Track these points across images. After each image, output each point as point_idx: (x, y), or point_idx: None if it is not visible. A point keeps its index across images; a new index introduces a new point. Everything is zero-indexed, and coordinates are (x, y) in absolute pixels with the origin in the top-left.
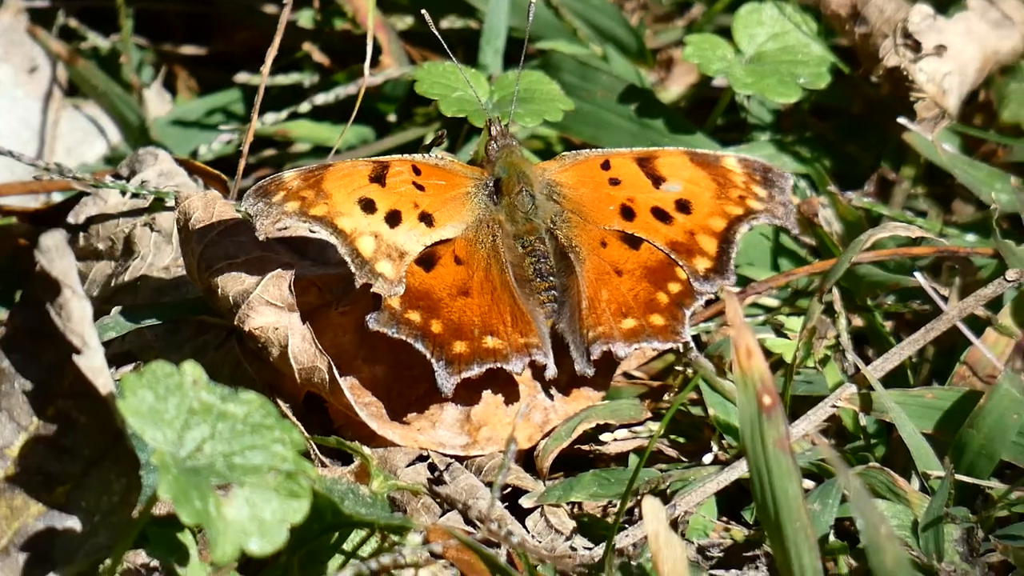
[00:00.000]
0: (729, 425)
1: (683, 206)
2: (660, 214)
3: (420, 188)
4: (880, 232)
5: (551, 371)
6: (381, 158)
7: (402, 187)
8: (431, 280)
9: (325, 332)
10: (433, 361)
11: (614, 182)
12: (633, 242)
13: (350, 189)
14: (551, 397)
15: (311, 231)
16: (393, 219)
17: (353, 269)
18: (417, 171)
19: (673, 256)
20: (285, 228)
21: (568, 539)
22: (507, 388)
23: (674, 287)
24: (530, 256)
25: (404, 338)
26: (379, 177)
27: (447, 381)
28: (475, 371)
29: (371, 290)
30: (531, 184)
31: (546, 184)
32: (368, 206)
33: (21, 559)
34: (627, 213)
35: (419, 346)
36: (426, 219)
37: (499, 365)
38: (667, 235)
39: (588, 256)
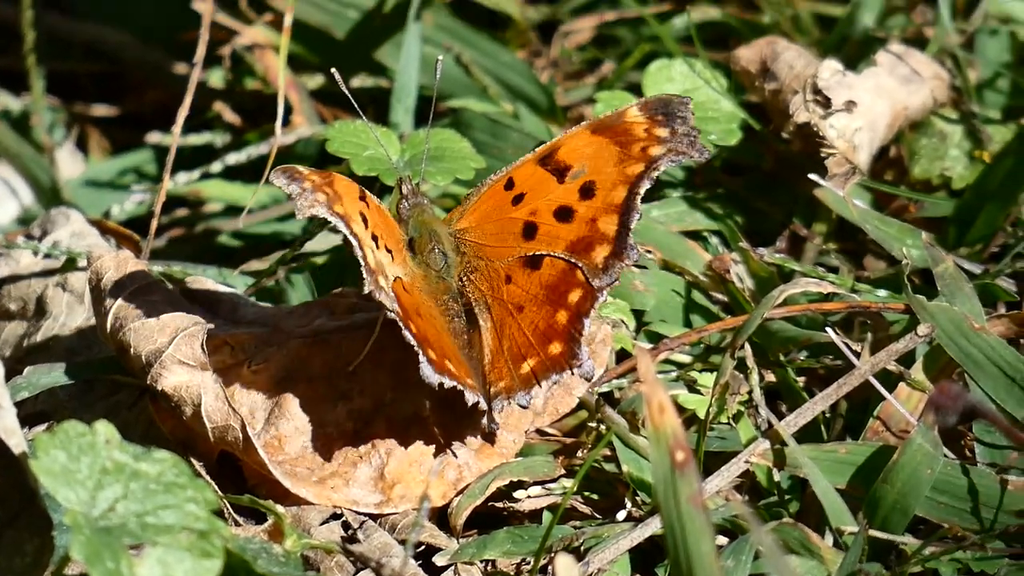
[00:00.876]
0: (643, 481)
1: (586, 191)
2: (563, 213)
3: (380, 220)
4: (792, 288)
5: (489, 419)
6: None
7: (375, 214)
8: (398, 290)
9: (238, 391)
10: (419, 353)
11: (517, 200)
12: (534, 263)
13: (351, 199)
14: (464, 454)
15: (333, 227)
16: (376, 240)
17: (365, 275)
18: (368, 206)
19: (573, 260)
20: (315, 215)
21: None
22: (421, 445)
23: (574, 296)
24: (445, 315)
25: (398, 320)
26: (363, 198)
27: (432, 376)
28: (447, 381)
29: (378, 299)
30: (442, 242)
31: (454, 235)
32: (364, 220)
33: None
34: (528, 231)
35: (407, 334)
36: (388, 251)
37: (459, 388)
38: (568, 237)
39: (492, 304)
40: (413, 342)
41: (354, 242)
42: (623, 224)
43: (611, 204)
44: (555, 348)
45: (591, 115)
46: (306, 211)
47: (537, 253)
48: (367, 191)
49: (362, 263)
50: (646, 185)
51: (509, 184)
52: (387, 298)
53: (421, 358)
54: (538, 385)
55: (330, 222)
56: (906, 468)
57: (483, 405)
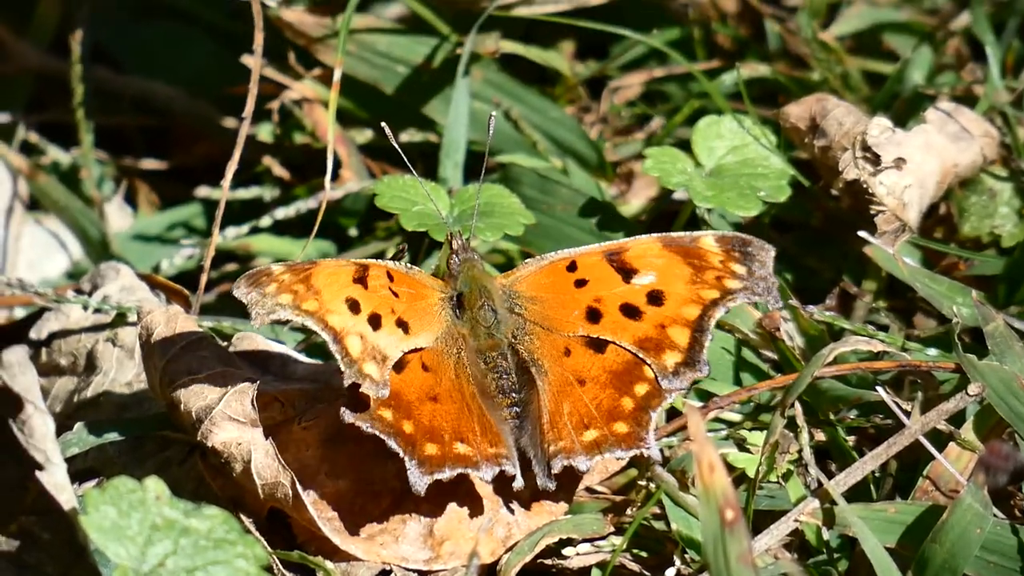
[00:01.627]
0: (692, 539)
1: (654, 298)
2: (629, 310)
3: (395, 295)
4: (842, 346)
5: (519, 483)
6: (361, 260)
7: (381, 291)
8: (400, 382)
9: (288, 447)
10: (406, 459)
11: (580, 283)
12: (598, 346)
13: (337, 287)
14: (513, 511)
15: (303, 326)
16: (375, 322)
17: (342, 367)
18: (391, 277)
19: (641, 355)
20: (278, 320)
21: None
22: (470, 502)
23: (640, 389)
24: (492, 372)
25: (378, 433)
26: (361, 279)
27: (420, 480)
28: (447, 474)
29: (360, 391)
30: (492, 298)
31: (508, 296)
32: (354, 306)
33: None
34: (593, 315)
35: (392, 444)
36: (402, 325)
37: (470, 471)
38: (635, 333)
39: (550, 368)
40: (396, 449)
41: (327, 337)
42: (696, 340)
43: (683, 318)
44: (620, 428)
45: (640, 170)
46: (264, 319)
47: (602, 338)
48: (378, 265)
49: (338, 357)
50: (720, 312)
51: (572, 267)
52: (372, 387)
53: (408, 464)
54: (600, 455)
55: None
56: (956, 528)
57: (518, 480)
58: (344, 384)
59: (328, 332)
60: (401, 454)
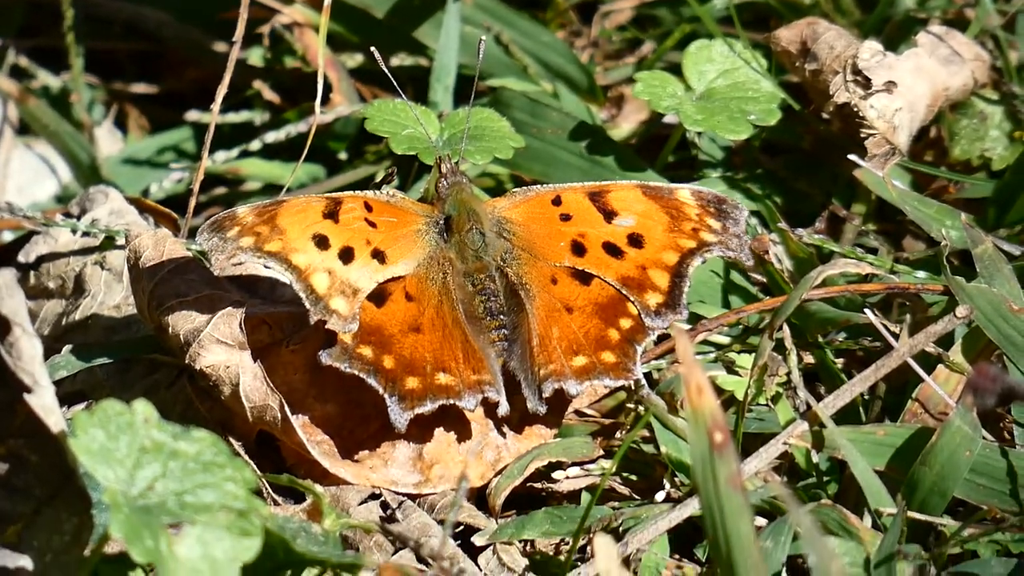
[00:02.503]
0: (681, 463)
1: (635, 240)
2: (612, 249)
3: (372, 225)
4: (831, 269)
5: (503, 408)
6: (334, 194)
7: (355, 224)
8: (382, 316)
9: (276, 370)
10: (386, 396)
11: (565, 217)
12: (584, 278)
13: (304, 225)
14: (503, 435)
15: (265, 267)
16: (346, 256)
17: (307, 305)
18: (369, 208)
19: (624, 291)
20: (240, 263)
21: None
22: (459, 426)
23: (625, 323)
24: (480, 294)
25: (356, 373)
26: (332, 213)
27: (400, 417)
28: (428, 407)
29: (325, 327)
30: (481, 222)
31: (496, 221)
32: (322, 242)
33: None
34: (578, 249)
35: (372, 381)
36: (378, 256)
37: (452, 401)
38: (618, 270)
39: (538, 293)
40: (376, 386)
41: (291, 276)
42: (676, 285)
43: (663, 263)
44: (608, 358)
45: (630, 95)
46: (223, 263)
47: (588, 271)
48: (354, 196)
49: (303, 296)
50: (698, 262)
51: (557, 201)
52: (339, 323)
53: (389, 400)
54: (589, 381)
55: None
56: (945, 450)
57: (503, 405)
58: (311, 322)
59: (292, 271)
60: (381, 391)
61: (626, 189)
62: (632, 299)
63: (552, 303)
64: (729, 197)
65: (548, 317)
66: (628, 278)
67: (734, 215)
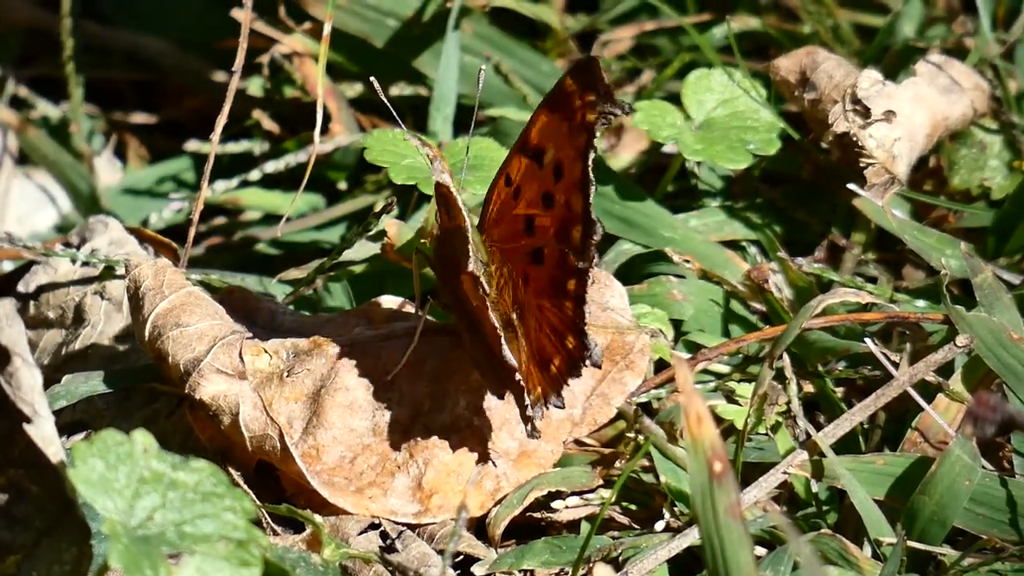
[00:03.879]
0: (681, 492)
1: (558, 171)
2: (547, 199)
3: None
4: (830, 298)
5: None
6: None
7: None
8: None
9: (276, 400)
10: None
11: (517, 193)
12: (537, 257)
13: None
14: (502, 465)
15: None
16: None
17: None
18: None
19: (560, 246)
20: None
21: None
22: (459, 456)
23: (571, 283)
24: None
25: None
26: None
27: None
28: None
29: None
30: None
31: (489, 249)
32: None
33: None
34: (528, 225)
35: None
36: None
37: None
38: (553, 224)
39: (524, 311)
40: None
41: None
42: (586, 199)
43: (575, 181)
44: (570, 342)
45: (630, 124)
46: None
47: (537, 247)
48: None
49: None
50: (592, 154)
51: (508, 180)
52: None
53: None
54: (564, 384)
55: None
56: (944, 479)
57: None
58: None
59: None
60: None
61: (538, 113)
62: (566, 249)
63: (530, 315)
64: (587, 56)
65: (529, 334)
66: (559, 226)
67: (595, 70)
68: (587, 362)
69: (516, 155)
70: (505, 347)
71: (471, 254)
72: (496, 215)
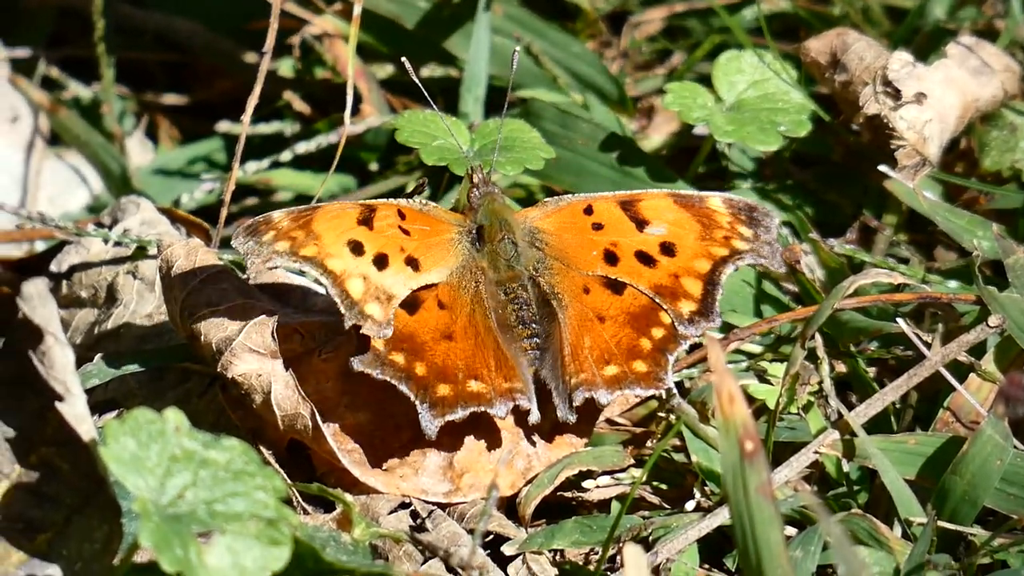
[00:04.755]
0: (712, 472)
1: (667, 249)
2: (644, 258)
3: (406, 232)
4: (862, 279)
5: (534, 416)
6: (369, 201)
7: (389, 231)
8: (415, 323)
9: (308, 379)
10: (417, 403)
11: (597, 227)
12: (616, 287)
13: (339, 231)
14: (533, 444)
15: (300, 272)
16: (381, 262)
17: (342, 310)
18: (402, 216)
19: (657, 300)
20: (275, 268)
21: None
22: (490, 435)
23: (657, 332)
24: (512, 303)
25: (388, 379)
26: (366, 220)
27: (431, 424)
28: (459, 414)
29: (360, 332)
30: (513, 231)
31: (528, 231)
32: (357, 248)
33: None
34: (610, 258)
35: (403, 388)
36: (412, 263)
37: (483, 408)
38: (651, 279)
39: (570, 303)
40: (408, 393)
41: (327, 281)
42: (709, 293)
43: (695, 271)
44: (640, 367)
45: (661, 105)
46: (260, 267)
47: (620, 280)
48: (388, 204)
49: (338, 301)
50: (730, 269)
51: (588, 210)
52: (373, 328)
53: (420, 407)
54: (620, 391)
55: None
56: (976, 459)
57: (534, 413)
58: (345, 328)
59: (327, 276)
60: (412, 398)
61: (657, 198)
62: (665, 307)
63: (584, 312)
64: (760, 204)
65: (580, 326)
66: (661, 286)
67: (765, 222)
68: (655, 390)
69: (610, 202)
70: (423, 412)
71: None
72: (559, 222)
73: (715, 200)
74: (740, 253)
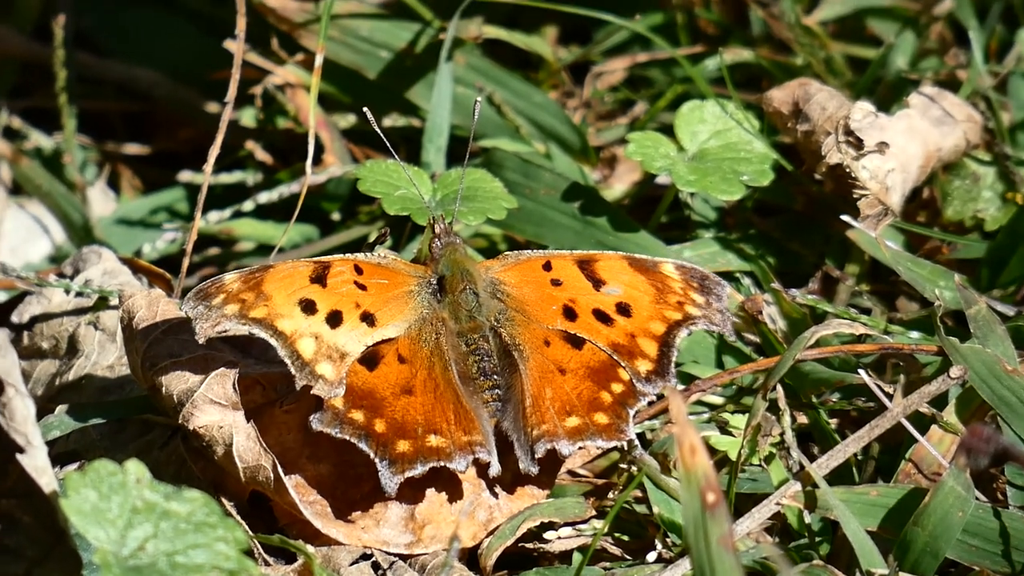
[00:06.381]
0: (673, 523)
1: (623, 309)
2: (601, 316)
3: (362, 287)
4: (824, 329)
5: (495, 469)
6: (323, 258)
7: (343, 287)
8: (374, 379)
9: (269, 430)
10: (377, 461)
11: (556, 283)
12: (576, 342)
13: (290, 290)
14: (495, 495)
15: (251, 334)
16: (334, 320)
17: (293, 371)
18: (359, 270)
19: (615, 357)
20: (225, 331)
21: None
22: (451, 486)
23: (617, 387)
24: (474, 354)
25: (348, 438)
26: (320, 278)
27: (391, 480)
28: (419, 470)
29: (311, 392)
30: (475, 282)
31: (489, 282)
32: (309, 307)
33: None
34: (569, 313)
35: (363, 446)
36: (368, 319)
37: (443, 463)
38: (609, 337)
39: (532, 354)
40: (367, 451)
41: (276, 343)
42: (664, 354)
43: (650, 332)
44: (601, 419)
45: (623, 155)
46: (208, 331)
47: (579, 335)
48: (343, 260)
49: (288, 362)
50: (684, 333)
51: (547, 266)
52: (325, 388)
53: (379, 465)
54: (582, 442)
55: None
56: (937, 511)
57: (495, 466)
58: (297, 387)
59: (277, 337)
60: (372, 455)
61: (612, 259)
62: (623, 365)
63: (545, 364)
64: (712, 273)
65: (541, 378)
66: (618, 345)
67: (716, 291)
68: (616, 442)
69: (568, 261)
70: (383, 470)
71: None
72: (520, 275)
73: (668, 266)
74: (693, 319)
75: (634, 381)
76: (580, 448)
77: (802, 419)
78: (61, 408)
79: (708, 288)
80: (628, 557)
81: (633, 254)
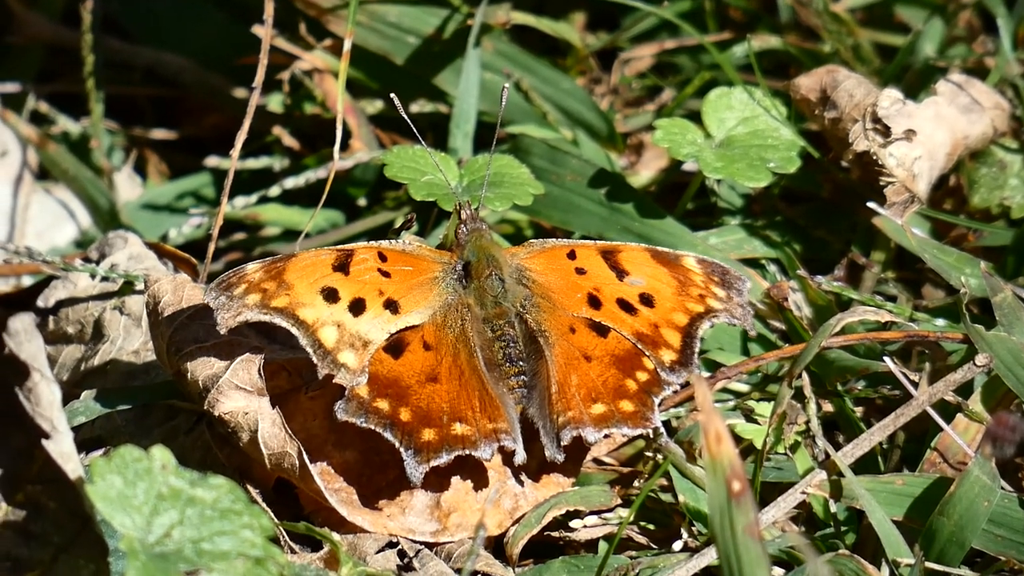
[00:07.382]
0: (699, 512)
1: (647, 299)
2: (625, 305)
3: (386, 275)
4: (850, 317)
5: (520, 456)
6: (346, 246)
7: (366, 275)
8: (400, 367)
9: (295, 417)
10: (402, 450)
11: (580, 271)
12: (601, 330)
13: (312, 279)
14: (521, 483)
15: (273, 324)
16: (357, 308)
17: (315, 360)
18: (383, 258)
19: (639, 346)
20: (247, 321)
21: None
22: (477, 474)
23: (642, 376)
24: (499, 340)
25: (373, 427)
26: (342, 266)
27: (416, 469)
28: (444, 459)
29: (334, 381)
30: (500, 268)
31: (515, 268)
32: (331, 295)
33: None
34: (594, 302)
35: (388, 435)
36: (391, 306)
37: (468, 452)
38: (633, 326)
39: (557, 341)
40: (393, 440)
41: (298, 331)
42: (687, 345)
43: (673, 323)
44: (627, 407)
45: (650, 142)
46: (230, 322)
47: (604, 323)
48: (367, 247)
49: (310, 351)
50: (706, 326)
51: (572, 255)
52: (347, 376)
53: (405, 454)
54: (608, 429)
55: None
56: (963, 500)
57: (520, 453)
58: (319, 376)
59: (299, 326)
60: (397, 444)
61: (635, 251)
62: (647, 354)
63: (571, 351)
64: (732, 268)
65: (567, 364)
66: (642, 334)
67: (737, 285)
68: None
69: (592, 250)
70: (408, 459)
71: None
72: (545, 262)
73: (690, 260)
74: (714, 311)
75: (658, 370)
76: (606, 436)
77: (827, 407)
78: (87, 393)
79: (729, 282)
80: (654, 546)
81: (655, 247)
